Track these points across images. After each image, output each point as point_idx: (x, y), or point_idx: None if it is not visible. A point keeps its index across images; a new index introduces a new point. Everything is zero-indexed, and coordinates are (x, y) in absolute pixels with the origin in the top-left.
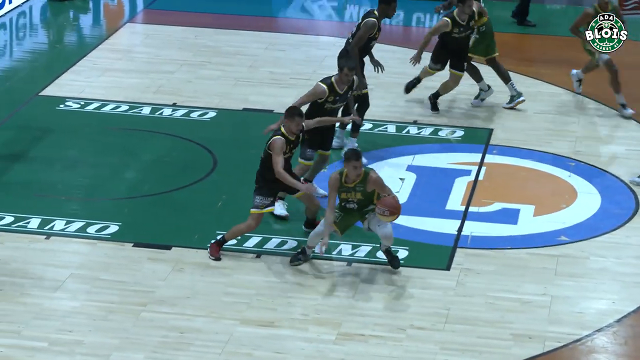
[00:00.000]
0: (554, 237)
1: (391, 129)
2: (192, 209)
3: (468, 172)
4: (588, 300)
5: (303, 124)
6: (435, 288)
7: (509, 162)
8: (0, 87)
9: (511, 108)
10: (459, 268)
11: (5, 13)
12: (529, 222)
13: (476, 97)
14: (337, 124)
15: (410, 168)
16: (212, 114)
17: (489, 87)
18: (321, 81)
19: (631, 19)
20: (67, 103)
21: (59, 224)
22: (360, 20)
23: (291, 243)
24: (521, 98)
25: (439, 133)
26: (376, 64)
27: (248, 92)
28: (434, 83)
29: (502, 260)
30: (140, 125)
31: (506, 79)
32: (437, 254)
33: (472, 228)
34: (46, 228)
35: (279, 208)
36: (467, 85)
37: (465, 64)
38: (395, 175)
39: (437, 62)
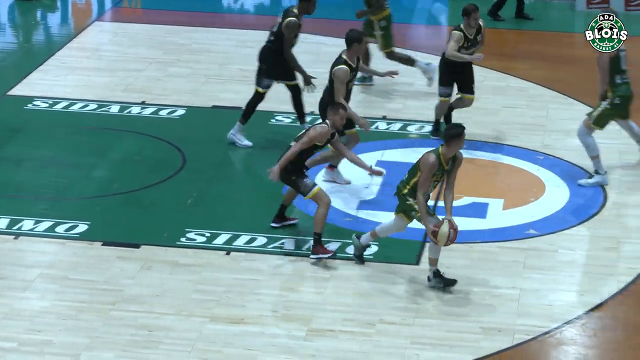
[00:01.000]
0: (523, 231)
1: None
2: (161, 207)
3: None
4: (556, 292)
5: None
6: (405, 283)
7: (477, 157)
8: None
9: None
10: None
11: None
12: (498, 216)
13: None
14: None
15: (379, 163)
16: (181, 111)
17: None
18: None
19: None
20: (35, 102)
21: (27, 224)
22: (281, 19)
23: (261, 240)
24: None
25: (408, 128)
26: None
27: (218, 89)
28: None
29: (471, 254)
30: (109, 124)
31: (411, 61)
32: (406, 249)
33: None
34: (15, 228)
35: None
36: (436, 81)
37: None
38: (364, 170)
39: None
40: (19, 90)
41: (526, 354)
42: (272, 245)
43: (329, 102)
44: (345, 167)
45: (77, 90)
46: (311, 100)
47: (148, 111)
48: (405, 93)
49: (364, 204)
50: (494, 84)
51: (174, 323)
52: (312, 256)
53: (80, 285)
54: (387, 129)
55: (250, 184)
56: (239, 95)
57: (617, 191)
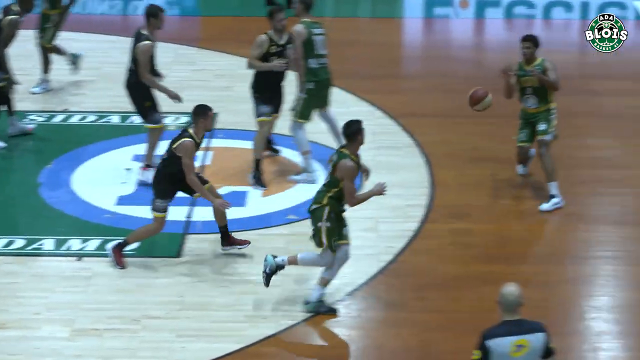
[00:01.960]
0: (283, 217)
1: (115, 119)
2: None
3: (195, 158)
4: None
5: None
6: (169, 276)
7: (235, 145)
8: None
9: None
10: (190, 254)
11: None
12: (258, 204)
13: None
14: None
15: (136, 158)
16: None
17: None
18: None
19: None
20: None
21: None
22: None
23: (19, 242)
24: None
25: (164, 121)
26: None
27: None
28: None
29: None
30: None
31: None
32: (167, 242)
33: (203, 213)
34: None
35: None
36: (192, 72)
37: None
38: (121, 165)
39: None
40: None
41: (292, 339)
42: (30, 247)
43: (135, 83)
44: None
45: None
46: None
47: None
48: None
49: (123, 200)
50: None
51: None
52: (109, 253)
53: None
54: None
55: (4, 185)
56: None
57: (374, 172)
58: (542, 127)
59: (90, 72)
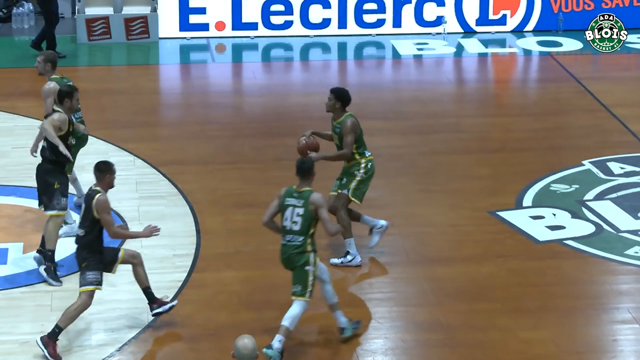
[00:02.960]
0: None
1: None
2: None
3: None
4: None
5: None
6: None
7: None
8: None
9: None
10: None
11: None
12: (19, 260)
13: None
14: None
15: None
16: None
17: None
18: None
19: None
20: None
21: None
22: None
23: None
24: None
25: None
26: None
27: None
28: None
29: None
30: None
31: None
32: None
33: None
34: None
35: None
36: None
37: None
38: None
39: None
40: None
41: None
42: None
43: None
44: None
45: None
46: None
47: None
48: None
49: None
50: (1, 125)
51: None
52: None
53: None
54: None
55: None
56: None
57: (138, 223)
58: (343, 181)
59: None
